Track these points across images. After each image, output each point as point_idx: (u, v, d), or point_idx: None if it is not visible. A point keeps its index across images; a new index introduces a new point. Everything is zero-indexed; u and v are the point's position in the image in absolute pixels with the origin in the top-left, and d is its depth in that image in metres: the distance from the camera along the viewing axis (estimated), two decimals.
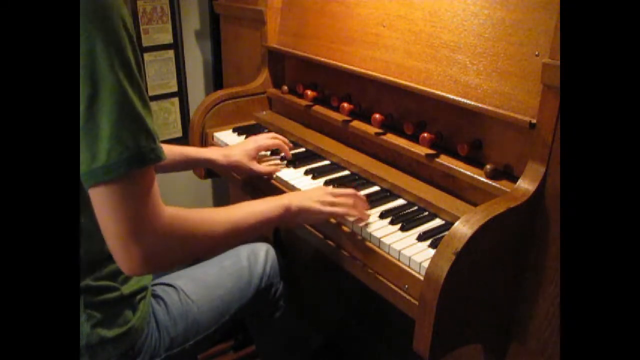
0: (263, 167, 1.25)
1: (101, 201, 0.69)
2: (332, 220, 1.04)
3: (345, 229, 1.01)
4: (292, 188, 1.17)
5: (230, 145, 1.33)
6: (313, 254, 1.63)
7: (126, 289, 0.90)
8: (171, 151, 1.19)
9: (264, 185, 1.26)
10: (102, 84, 0.65)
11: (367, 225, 0.99)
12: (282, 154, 1.30)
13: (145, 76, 1.82)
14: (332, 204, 0.99)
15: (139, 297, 0.94)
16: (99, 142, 0.66)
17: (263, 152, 1.30)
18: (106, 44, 0.65)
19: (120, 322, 0.90)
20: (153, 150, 0.71)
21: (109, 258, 0.87)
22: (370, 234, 0.96)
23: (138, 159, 0.68)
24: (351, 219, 0.99)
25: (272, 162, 1.30)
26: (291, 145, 1.33)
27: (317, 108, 1.39)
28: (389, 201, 1.09)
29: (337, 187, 1.08)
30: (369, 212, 1.02)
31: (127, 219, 0.69)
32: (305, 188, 1.14)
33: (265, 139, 1.29)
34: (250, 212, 0.90)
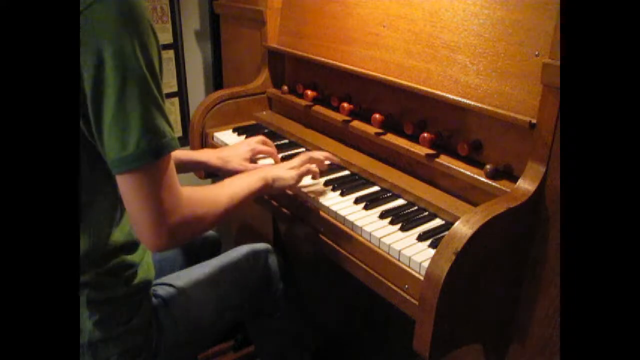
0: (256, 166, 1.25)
1: (129, 188, 0.76)
2: (332, 220, 1.04)
3: (346, 228, 1.01)
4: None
5: (223, 147, 1.32)
6: (313, 254, 1.63)
7: (129, 288, 0.91)
8: None
9: None
10: (130, 78, 0.71)
11: (367, 225, 0.99)
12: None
13: None
14: (298, 168, 1.12)
15: (140, 296, 0.94)
16: (128, 131, 0.72)
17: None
18: (134, 43, 0.71)
19: (122, 320, 0.90)
20: (174, 138, 0.78)
21: (114, 252, 0.88)
22: (370, 234, 0.96)
23: (164, 147, 0.76)
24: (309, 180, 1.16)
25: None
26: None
27: (317, 108, 1.39)
28: (389, 201, 1.09)
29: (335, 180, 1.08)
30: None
31: (155, 204, 0.76)
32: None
33: (257, 143, 1.29)
34: (240, 186, 0.99)
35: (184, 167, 1.23)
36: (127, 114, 0.72)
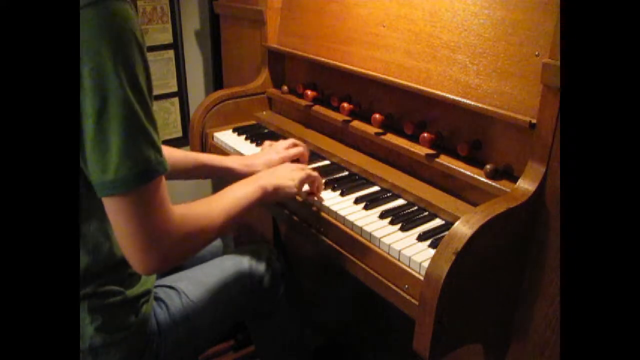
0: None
1: (115, 212, 0.72)
2: (332, 220, 1.04)
3: (346, 229, 1.01)
4: None
5: (250, 155, 1.29)
6: (313, 255, 1.63)
7: (130, 293, 0.91)
8: (185, 158, 1.16)
9: None
10: (111, 99, 0.66)
11: (367, 225, 0.99)
12: None
13: None
14: (301, 180, 1.06)
15: (142, 300, 0.94)
16: (108, 156, 0.68)
17: None
18: (115, 60, 0.65)
19: (123, 325, 0.90)
20: (160, 163, 0.73)
21: (116, 267, 0.87)
22: (370, 234, 0.96)
23: (146, 173, 0.71)
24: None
25: None
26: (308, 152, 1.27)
27: (317, 108, 1.39)
28: (389, 201, 1.09)
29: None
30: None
31: (140, 229, 0.72)
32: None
33: (285, 149, 1.23)
34: (236, 198, 0.94)
35: (209, 171, 1.20)
36: (107, 138, 0.67)
